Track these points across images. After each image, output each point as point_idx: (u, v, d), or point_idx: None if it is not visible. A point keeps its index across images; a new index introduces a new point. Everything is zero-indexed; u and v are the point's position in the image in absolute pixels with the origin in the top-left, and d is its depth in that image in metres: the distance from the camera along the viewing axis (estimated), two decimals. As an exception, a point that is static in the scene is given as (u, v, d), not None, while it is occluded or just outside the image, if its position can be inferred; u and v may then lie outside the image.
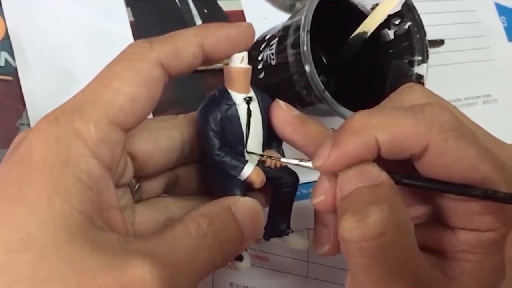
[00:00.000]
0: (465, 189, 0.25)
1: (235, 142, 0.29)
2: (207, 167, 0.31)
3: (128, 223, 0.29)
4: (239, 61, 0.29)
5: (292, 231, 0.32)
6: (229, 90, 0.29)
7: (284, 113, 0.30)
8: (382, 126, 0.26)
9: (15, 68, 0.38)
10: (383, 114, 0.26)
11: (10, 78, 0.38)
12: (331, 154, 0.26)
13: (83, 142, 0.24)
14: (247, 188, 0.29)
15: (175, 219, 0.28)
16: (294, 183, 0.31)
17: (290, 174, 0.31)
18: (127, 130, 0.26)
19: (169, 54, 0.27)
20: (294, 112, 0.31)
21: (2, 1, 0.39)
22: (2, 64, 0.38)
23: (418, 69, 0.38)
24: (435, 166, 0.26)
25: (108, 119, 0.25)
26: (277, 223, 0.31)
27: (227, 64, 0.30)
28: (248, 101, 0.29)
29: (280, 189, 0.31)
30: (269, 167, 0.30)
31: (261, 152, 0.30)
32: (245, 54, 0.29)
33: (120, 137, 0.26)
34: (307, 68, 0.34)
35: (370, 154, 0.26)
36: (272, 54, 0.39)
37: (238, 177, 0.29)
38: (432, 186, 0.26)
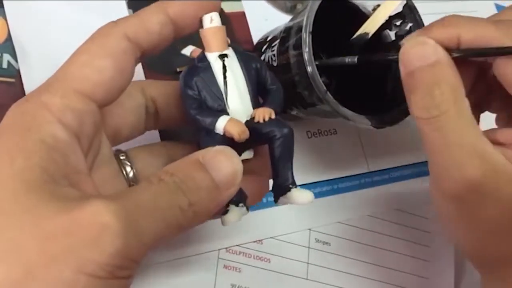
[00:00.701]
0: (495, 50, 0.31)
1: (214, 100, 0.29)
2: (195, 129, 0.30)
3: None
4: (209, 22, 0.30)
5: (296, 186, 0.30)
6: (206, 53, 0.30)
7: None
8: (467, 26, 0.31)
9: (18, 70, 0.38)
10: (471, 18, 0.32)
11: (12, 80, 0.38)
12: (420, 35, 0.32)
13: (48, 110, 0.25)
14: (230, 146, 0.28)
15: None
16: (287, 134, 0.29)
17: (282, 126, 0.29)
18: (101, 103, 0.27)
19: (134, 26, 0.28)
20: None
21: (5, 3, 0.39)
22: (5, 66, 0.38)
23: (420, 70, 0.38)
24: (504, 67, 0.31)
25: (74, 88, 0.26)
26: (280, 181, 0.30)
27: None
28: (223, 58, 0.30)
29: (273, 141, 0.29)
30: (258, 122, 0.29)
31: (249, 111, 0.30)
32: (213, 14, 0.30)
33: (89, 107, 0.27)
34: (309, 69, 0.34)
35: (450, 46, 0.31)
36: (274, 55, 0.39)
37: (216, 132, 0.29)
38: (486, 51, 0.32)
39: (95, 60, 0.27)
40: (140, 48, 0.28)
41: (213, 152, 0.27)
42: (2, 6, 0.39)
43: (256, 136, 0.29)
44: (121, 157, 0.32)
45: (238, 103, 0.30)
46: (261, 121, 0.29)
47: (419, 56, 0.31)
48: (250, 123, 0.29)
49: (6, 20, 0.39)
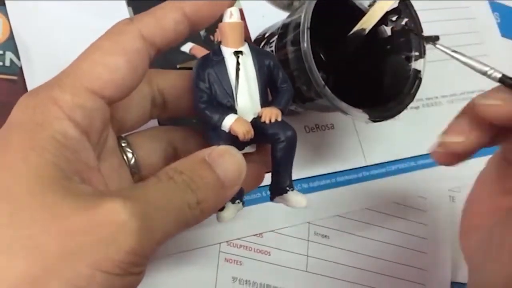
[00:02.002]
0: None
1: (224, 96, 0.30)
2: (202, 122, 0.31)
3: None
4: (228, 17, 0.30)
5: (293, 189, 0.31)
6: (221, 46, 0.30)
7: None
8: None
9: (20, 68, 0.38)
10: None
11: (15, 77, 0.38)
12: None
13: (58, 107, 0.25)
14: (235, 142, 0.29)
15: None
16: (291, 138, 0.30)
17: (287, 130, 0.30)
18: (111, 101, 0.27)
19: (150, 24, 0.28)
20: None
21: (6, 2, 0.39)
22: (8, 64, 0.38)
23: (416, 65, 0.39)
24: None
25: (85, 86, 0.26)
26: (278, 181, 0.31)
27: None
28: (238, 55, 0.30)
29: (277, 144, 0.30)
30: (264, 122, 0.30)
31: (257, 109, 0.30)
32: (233, 9, 0.30)
33: (99, 105, 0.27)
34: (307, 64, 0.35)
35: None
36: (272, 51, 0.39)
37: (222, 129, 0.29)
38: None
39: (108, 58, 0.27)
40: (155, 46, 0.28)
41: (219, 151, 0.28)
42: (4, 5, 0.39)
43: (260, 135, 0.30)
44: (123, 144, 0.32)
45: (247, 101, 0.30)
46: (267, 122, 0.30)
47: None
48: (256, 122, 0.30)
49: (8, 18, 0.39)
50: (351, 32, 0.39)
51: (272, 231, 0.43)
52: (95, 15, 0.41)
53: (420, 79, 0.39)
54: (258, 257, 0.42)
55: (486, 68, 0.27)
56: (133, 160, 0.32)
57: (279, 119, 0.30)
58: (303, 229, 0.44)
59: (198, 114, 0.30)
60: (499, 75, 0.27)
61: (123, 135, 0.33)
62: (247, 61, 0.30)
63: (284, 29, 0.38)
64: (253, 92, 0.30)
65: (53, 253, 0.22)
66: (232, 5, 0.30)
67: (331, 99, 0.35)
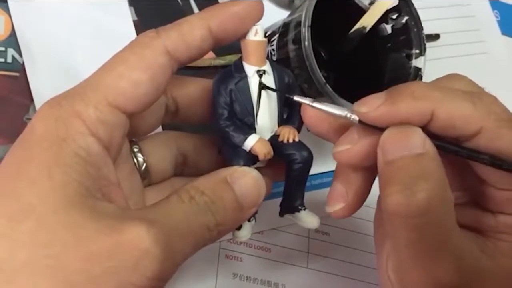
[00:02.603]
0: (475, 154, 0.27)
1: (244, 114, 0.30)
2: (220, 137, 0.31)
3: (138, 206, 0.30)
4: (253, 34, 0.30)
5: (305, 209, 0.32)
6: (244, 63, 0.30)
7: (316, 111, 0.30)
8: (442, 101, 0.26)
9: (22, 64, 0.39)
10: (444, 90, 0.27)
11: (17, 74, 0.39)
12: (382, 106, 0.26)
13: (81, 121, 0.25)
14: (253, 160, 0.30)
15: None
16: (307, 160, 0.31)
17: (303, 150, 0.30)
18: (131, 115, 0.27)
19: (176, 41, 0.28)
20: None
21: (8, -1, 0.39)
22: (9, 60, 0.39)
23: (416, 62, 0.39)
24: (482, 150, 0.26)
25: (108, 101, 0.26)
26: (290, 199, 0.32)
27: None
28: (261, 74, 0.30)
29: (292, 164, 0.30)
30: (282, 141, 0.30)
31: (275, 127, 0.31)
32: (259, 27, 0.30)
33: (120, 120, 0.27)
34: (308, 62, 0.35)
35: (420, 123, 0.26)
36: (273, 50, 0.39)
37: (243, 148, 0.29)
38: (470, 154, 0.27)
39: (132, 72, 0.26)
40: (178, 62, 0.28)
41: (241, 172, 0.28)
42: (6, 1, 0.39)
43: (277, 153, 0.30)
44: (135, 149, 0.32)
45: (266, 121, 0.30)
46: (285, 141, 0.30)
47: (403, 145, 0.26)
48: (273, 140, 0.30)
49: (9, 15, 0.39)
50: (352, 30, 0.39)
51: (273, 228, 0.43)
52: (96, 12, 0.42)
53: (421, 77, 0.39)
54: (258, 253, 0.43)
55: (345, 113, 0.28)
56: (144, 166, 0.32)
57: (296, 139, 0.30)
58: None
59: (218, 130, 0.30)
60: (357, 118, 0.27)
61: (134, 139, 0.33)
62: (269, 80, 0.30)
63: (285, 27, 0.38)
64: (272, 111, 0.31)
65: (77, 276, 0.22)
66: (257, 22, 0.30)
67: (332, 97, 0.35)
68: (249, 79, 0.30)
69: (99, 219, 0.24)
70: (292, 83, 0.32)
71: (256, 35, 0.30)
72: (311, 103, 0.29)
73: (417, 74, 0.39)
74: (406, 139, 0.26)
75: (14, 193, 0.24)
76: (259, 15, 0.30)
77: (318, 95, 0.37)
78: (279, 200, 0.34)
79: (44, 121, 0.25)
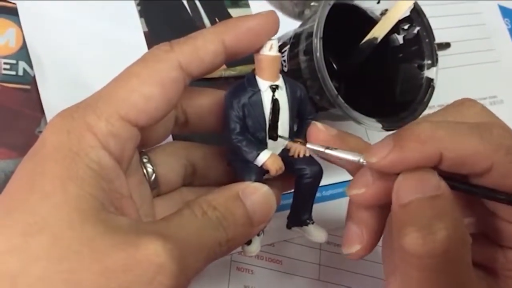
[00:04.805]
0: (490, 193, 0.26)
1: (257, 128, 0.30)
2: (230, 149, 0.31)
3: (148, 217, 0.30)
4: (268, 49, 0.29)
5: (313, 222, 0.32)
6: (257, 77, 0.30)
7: (323, 134, 0.31)
8: (449, 141, 0.26)
9: (33, 77, 0.39)
10: (450, 128, 0.26)
11: (28, 87, 0.39)
12: (390, 155, 0.26)
13: (93, 134, 0.25)
14: (263, 174, 0.30)
15: None
16: (317, 174, 0.31)
17: (313, 165, 0.31)
18: (143, 127, 0.27)
19: (189, 55, 0.27)
20: (332, 131, 0.31)
21: (19, 11, 0.40)
22: (21, 73, 0.39)
23: (428, 73, 0.39)
24: (496, 186, 0.26)
25: (120, 115, 0.26)
26: (299, 213, 0.32)
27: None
28: (274, 89, 0.30)
29: (302, 179, 0.31)
30: (292, 156, 0.30)
31: (287, 140, 0.31)
32: (274, 42, 0.29)
33: (132, 133, 0.27)
34: (320, 74, 0.35)
35: (431, 164, 0.26)
36: (284, 61, 0.39)
37: (254, 163, 0.29)
38: (486, 193, 0.26)
39: (145, 86, 0.26)
40: (191, 76, 0.28)
41: (253, 189, 0.29)
42: (17, 14, 0.39)
43: (287, 167, 0.30)
44: (144, 160, 0.32)
45: (279, 137, 0.30)
46: (296, 156, 0.30)
47: (418, 188, 0.25)
48: (285, 154, 0.30)
49: (21, 27, 0.39)
50: (363, 41, 0.39)
51: (284, 240, 0.43)
52: (107, 23, 0.42)
53: (433, 88, 0.39)
54: (269, 266, 0.42)
55: (357, 158, 0.28)
56: (153, 176, 0.32)
57: (307, 154, 0.30)
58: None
59: (229, 143, 0.30)
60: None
61: (143, 150, 0.33)
62: (282, 95, 0.30)
63: (296, 38, 0.38)
64: (284, 125, 0.30)
65: None
66: (272, 36, 0.29)
67: (344, 109, 0.35)
68: (262, 94, 0.29)
69: (113, 234, 0.24)
70: (304, 97, 0.31)
71: (271, 49, 0.29)
72: (324, 150, 0.29)
73: (429, 85, 0.39)
74: (421, 182, 0.26)
75: (27, 206, 0.24)
76: (274, 30, 0.29)
77: (329, 106, 0.37)
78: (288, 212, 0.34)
79: (56, 133, 0.25)
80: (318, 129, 0.31)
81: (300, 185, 0.31)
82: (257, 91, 0.30)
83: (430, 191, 0.25)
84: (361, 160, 0.28)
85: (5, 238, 0.23)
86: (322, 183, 0.31)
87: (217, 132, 0.33)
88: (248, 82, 0.30)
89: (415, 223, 0.25)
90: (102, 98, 0.26)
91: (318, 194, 0.44)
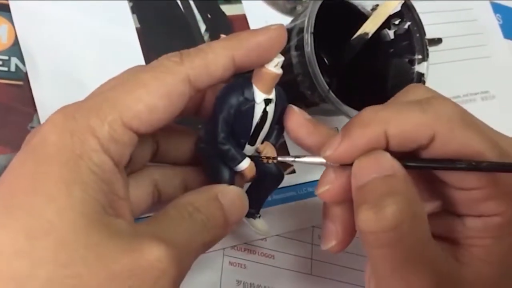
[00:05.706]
0: (450, 164, 0.27)
1: (241, 135, 0.31)
2: (206, 141, 0.32)
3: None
4: (273, 65, 0.29)
5: (259, 216, 0.34)
6: (254, 86, 0.30)
7: (298, 117, 0.32)
8: (391, 119, 0.27)
9: (26, 73, 0.39)
10: (391, 108, 0.28)
11: (20, 83, 0.38)
12: (341, 145, 0.27)
13: (95, 138, 0.25)
14: (234, 172, 0.32)
15: (160, 187, 0.33)
16: (277, 180, 0.33)
17: (277, 171, 0.33)
18: (142, 134, 0.27)
19: (198, 69, 0.27)
20: (307, 116, 0.32)
21: (11, 8, 0.39)
22: (13, 69, 0.39)
23: (419, 68, 0.39)
24: (441, 154, 0.27)
25: (123, 121, 0.26)
26: (250, 206, 0.32)
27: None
28: (267, 103, 0.30)
29: (263, 180, 0.33)
30: (261, 160, 0.32)
31: (260, 143, 0.32)
32: (281, 60, 0.30)
33: (132, 139, 0.27)
34: (311, 69, 0.35)
35: (379, 146, 0.27)
36: (276, 56, 0.39)
37: (233, 167, 0.31)
38: (432, 165, 0.28)
39: (151, 97, 0.26)
40: (197, 90, 0.28)
41: (232, 194, 0.30)
42: (9, 10, 0.39)
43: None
44: None
45: (258, 142, 0.32)
46: (265, 161, 0.32)
47: (373, 169, 0.27)
48: (255, 159, 0.32)
49: (13, 23, 0.39)
50: (354, 36, 0.39)
51: (276, 235, 0.43)
52: (99, 20, 0.42)
53: (424, 82, 0.39)
54: (262, 260, 0.42)
55: (322, 160, 0.29)
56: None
57: (275, 161, 0.32)
58: (307, 233, 0.44)
59: (217, 147, 0.31)
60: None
61: None
62: (271, 107, 0.31)
63: (287, 34, 0.38)
64: (263, 135, 0.32)
65: None
66: (280, 50, 0.29)
67: (335, 104, 0.35)
68: (255, 105, 0.30)
69: (117, 238, 0.24)
70: (284, 108, 0.32)
71: (276, 66, 0.29)
72: (294, 159, 0.31)
73: (420, 79, 0.39)
74: (375, 164, 0.27)
75: (32, 208, 0.24)
76: (283, 44, 0.29)
77: (321, 101, 0.37)
78: (285, 206, 0.35)
79: (58, 133, 0.25)
80: (294, 111, 0.32)
81: (259, 185, 0.33)
82: (251, 101, 0.30)
83: (384, 172, 0.26)
84: (326, 161, 0.29)
85: (10, 239, 0.23)
86: (315, 178, 0.32)
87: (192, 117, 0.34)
88: (244, 87, 0.30)
89: (368, 201, 0.26)
90: (107, 102, 0.26)
91: (310, 189, 0.44)
